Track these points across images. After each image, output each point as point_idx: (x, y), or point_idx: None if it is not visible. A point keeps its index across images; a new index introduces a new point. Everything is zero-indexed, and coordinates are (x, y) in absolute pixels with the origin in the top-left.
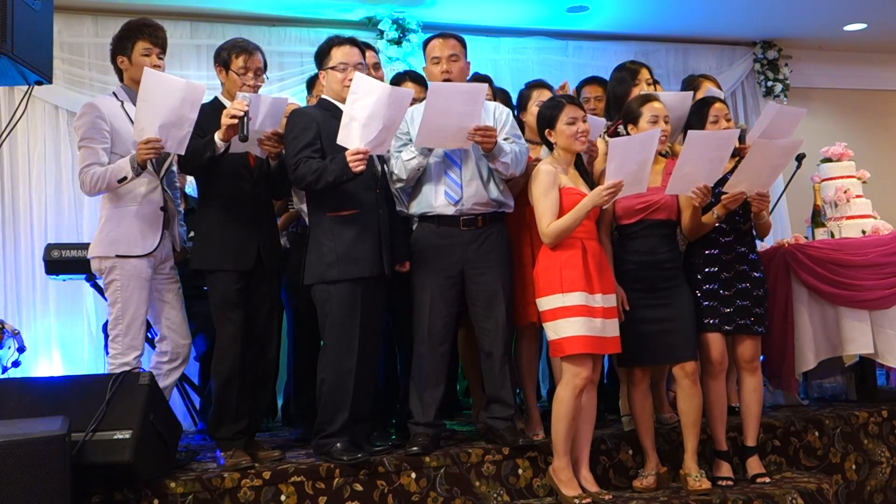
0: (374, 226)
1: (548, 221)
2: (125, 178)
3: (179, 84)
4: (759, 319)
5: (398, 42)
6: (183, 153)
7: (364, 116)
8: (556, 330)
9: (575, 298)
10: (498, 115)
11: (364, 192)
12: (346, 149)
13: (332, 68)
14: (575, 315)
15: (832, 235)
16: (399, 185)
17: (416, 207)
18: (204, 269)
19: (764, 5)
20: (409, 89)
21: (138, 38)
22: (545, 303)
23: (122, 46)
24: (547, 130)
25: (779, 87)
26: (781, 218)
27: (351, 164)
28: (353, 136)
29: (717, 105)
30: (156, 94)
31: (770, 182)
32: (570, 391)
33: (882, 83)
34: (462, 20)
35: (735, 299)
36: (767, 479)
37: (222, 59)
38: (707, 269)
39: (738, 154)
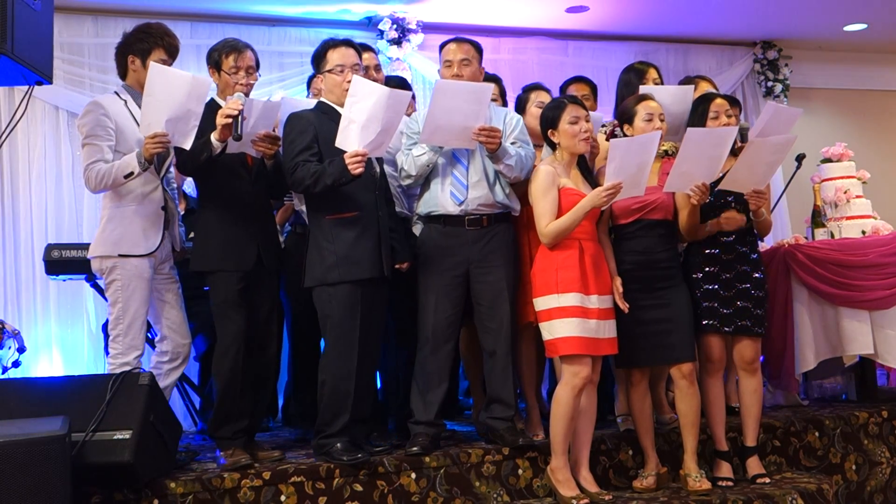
0: (374, 227)
1: (546, 221)
2: (132, 173)
3: (185, 78)
4: (758, 321)
5: (398, 42)
6: (189, 147)
7: (363, 119)
8: (550, 330)
9: (570, 299)
10: (508, 120)
11: (363, 193)
12: (343, 152)
13: (329, 71)
14: (569, 316)
15: (832, 236)
16: (408, 181)
17: (422, 207)
18: (205, 271)
19: (764, 5)
20: (408, 92)
21: (158, 45)
22: (541, 303)
23: (138, 48)
24: (550, 131)
25: (779, 87)
26: (781, 218)
27: (350, 167)
28: (352, 139)
29: (718, 101)
30: (162, 88)
31: (765, 179)
32: (569, 391)
33: (882, 83)
34: (462, 20)
35: (735, 300)
36: (767, 480)
37: (213, 60)
38: (707, 269)
39: (737, 152)
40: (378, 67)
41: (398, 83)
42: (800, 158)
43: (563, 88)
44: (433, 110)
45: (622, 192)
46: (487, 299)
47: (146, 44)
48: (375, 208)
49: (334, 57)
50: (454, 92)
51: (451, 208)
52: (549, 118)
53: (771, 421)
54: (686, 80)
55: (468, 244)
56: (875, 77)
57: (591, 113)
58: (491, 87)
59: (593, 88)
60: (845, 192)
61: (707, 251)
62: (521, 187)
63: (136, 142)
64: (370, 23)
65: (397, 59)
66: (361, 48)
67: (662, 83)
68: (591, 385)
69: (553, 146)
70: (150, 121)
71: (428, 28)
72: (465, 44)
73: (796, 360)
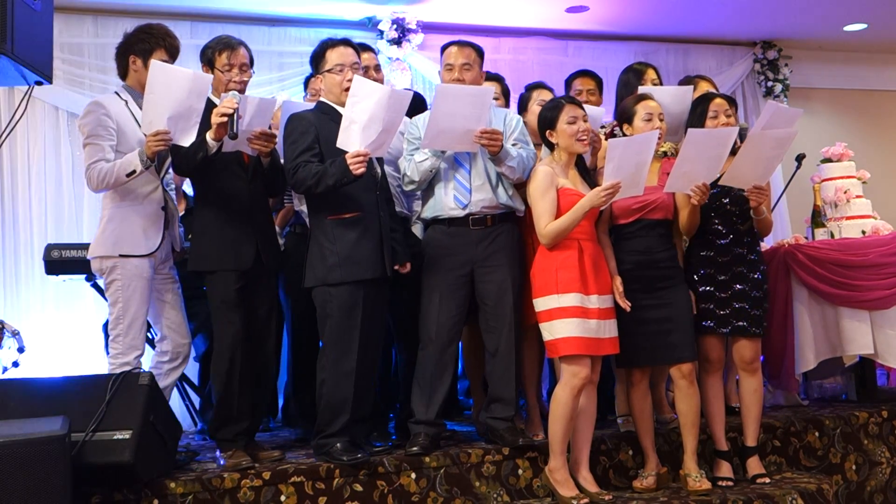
0: (376, 228)
1: (545, 222)
2: (134, 171)
3: (186, 75)
4: (756, 321)
5: (398, 42)
6: (191, 143)
7: (364, 119)
8: (550, 331)
9: (570, 300)
10: (508, 121)
11: (364, 194)
12: (344, 152)
13: (329, 71)
14: (570, 316)
15: (832, 236)
16: (411, 187)
17: (427, 212)
18: (203, 271)
19: (764, 5)
20: (409, 91)
21: (160, 46)
22: (541, 303)
23: (140, 49)
24: (548, 131)
25: (779, 87)
26: (781, 218)
27: (351, 167)
28: (353, 139)
29: (717, 101)
30: (163, 86)
31: (767, 175)
32: (569, 391)
33: (882, 83)
34: (462, 20)
35: (732, 301)
36: (767, 480)
37: (207, 58)
38: (703, 271)
39: (736, 152)
40: (378, 67)
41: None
42: (800, 158)
43: (568, 82)
44: (435, 115)
45: (621, 191)
46: (492, 299)
47: (148, 44)
48: (377, 209)
49: (333, 56)
50: (455, 96)
51: (456, 212)
52: (547, 119)
53: (771, 421)
54: (686, 80)
55: (473, 244)
56: (875, 77)
57: (593, 108)
58: (492, 91)
59: (598, 82)
60: (845, 192)
61: (703, 253)
62: (524, 188)
63: (137, 142)
64: (370, 23)
65: (397, 59)
66: (361, 48)
67: (661, 83)
68: (591, 385)
69: (551, 146)
70: (152, 118)
71: (428, 28)
72: (466, 47)
73: (796, 360)
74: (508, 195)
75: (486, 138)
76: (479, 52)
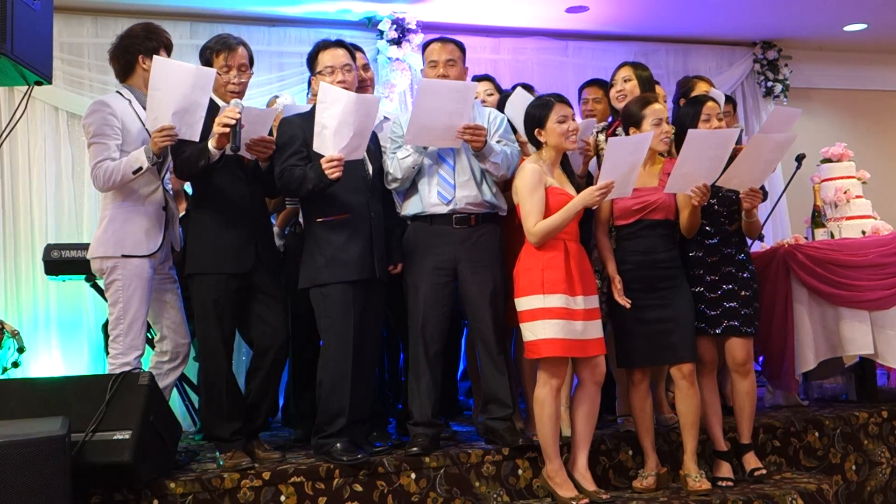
0: (366, 228)
1: (534, 220)
2: (140, 168)
3: (189, 70)
4: (747, 321)
5: (398, 42)
6: (197, 139)
7: (334, 124)
8: (532, 331)
9: (555, 301)
10: (492, 120)
11: (353, 195)
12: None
13: (320, 73)
14: (554, 317)
15: (832, 236)
16: (395, 184)
17: (409, 208)
18: (200, 273)
19: (764, 5)
20: (376, 96)
21: (162, 44)
22: (524, 303)
23: (149, 47)
24: (536, 130)
25: (779, 87)
26: (781, 218)
27: (326, 172)
28: (327, 144)
29: (710, 104)
30: (166, 81)
31: (763, 178)
32: (548, 391)
33: (882, 83)
34: (462, 20)
35: (722, 301)
36: (764, 472)
37: (205, 59)
38: (690, 273)
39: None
40: (366, 66)
41: None
42: (800, 158)
43: (578, 90)
44: (417, 110)
45: (611, 192)
46: (476, 299)
47: (154, 42)
48: (367, 209)
49: (325, 58)
50: (438, 91)
51: (439, 208)
52: (536, 117)
53: (771, 421)
54: (684, 81)
55: (455, 243)
56: (875, 77)
57: (585, 120)
58: (475, 86)
59: (607, 91)
60: (845, 192)
61: (690, 254)
62: (508, 189)
63: (141, 141)
64: (370, 23)
65: (397, 59)
66: (353, 48)
67: (638, 80)
68: (595, 386)
69: (539, 145)
70: (157, 114)
71: (428, 28)
72: (449, 44)
73: (796, 360)
74: (492, 192)
75: (469, 133)
76: (462, 49)
